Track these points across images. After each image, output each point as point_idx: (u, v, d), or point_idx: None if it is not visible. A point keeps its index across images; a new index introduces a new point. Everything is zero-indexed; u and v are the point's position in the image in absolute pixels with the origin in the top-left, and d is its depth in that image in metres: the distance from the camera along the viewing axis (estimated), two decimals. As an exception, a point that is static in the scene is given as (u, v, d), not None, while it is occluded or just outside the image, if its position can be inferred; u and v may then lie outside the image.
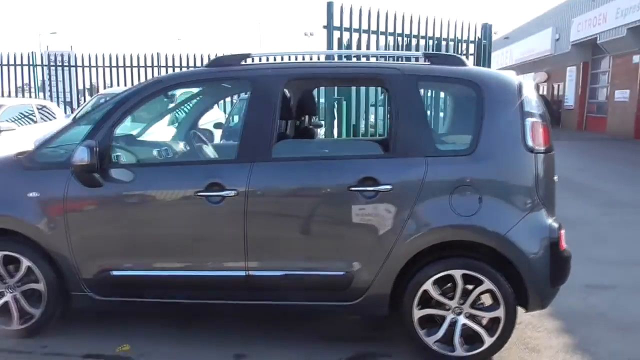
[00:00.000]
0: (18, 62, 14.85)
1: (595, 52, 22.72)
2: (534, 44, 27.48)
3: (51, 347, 3.30)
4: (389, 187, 3.01)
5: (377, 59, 5.06)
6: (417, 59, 3.53)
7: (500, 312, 3.03)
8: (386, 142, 3.33)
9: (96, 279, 3.25)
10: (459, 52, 8.01)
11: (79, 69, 15.04)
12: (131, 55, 14.72)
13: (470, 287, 3.08)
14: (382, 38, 7.11)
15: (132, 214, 3.19)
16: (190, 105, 4.69)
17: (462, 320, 3.08)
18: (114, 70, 14.77)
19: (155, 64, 14.71)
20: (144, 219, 3.19)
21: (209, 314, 3.62)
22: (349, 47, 6.66)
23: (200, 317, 3.65)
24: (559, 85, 27.00)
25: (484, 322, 3.10)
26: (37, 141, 7.46)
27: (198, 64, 14.35)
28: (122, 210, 3.19)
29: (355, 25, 6.82)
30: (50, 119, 10.09)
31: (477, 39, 8.60)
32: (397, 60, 4.71)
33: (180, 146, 4.11)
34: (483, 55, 8.75)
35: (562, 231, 3.09)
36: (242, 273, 3.14)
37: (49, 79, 15.14)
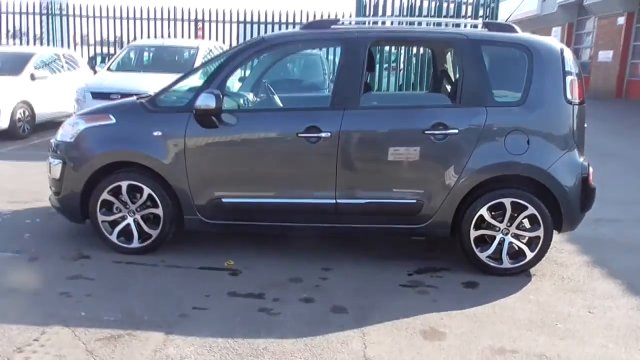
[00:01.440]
0: (13, 9, 14.72)
1: (580, 14, 23.43)
2: (521, 4, 27.92)
3: (169, 261, 3.98)
4: (456, 131, 3.72)
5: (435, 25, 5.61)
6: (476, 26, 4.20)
7: (540, 232, 3.80)
8: None
9: (208, 205, 3.91)
10: (472, 13, 8.67)
11: (75, 19, 14.92)
12: (132, 7, 14.76)
13: (515, 214, 3.83)
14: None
15: (242, 150, 3.84)
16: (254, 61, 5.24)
17: (509, 239, 3.85)
18: (111, 20, 14.73)
19: (152, 16, 14.71)
20: (251, 154, 3.85)
21: (299, 236, 4.34)
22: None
23: (291, 239, 4.38)
24: (544, 45, 27.67)
25: (526, 240, 3.87)
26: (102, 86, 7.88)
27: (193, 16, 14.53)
28: (234, 147, 3.84)
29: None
30: (75, 68, 10.44)
31: (486, 2, 9.22)
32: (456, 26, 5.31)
33: (257, 96, 4.72)
34: (491, 17, 9.39)
35: (591, 169, 3.85)
36: (332, 201, 3.83)
37: (45, 28, 14.97)
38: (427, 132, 3.72)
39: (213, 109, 3.63)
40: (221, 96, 3.66)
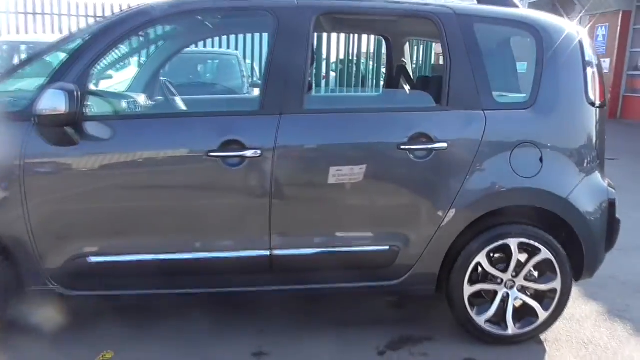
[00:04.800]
0: None
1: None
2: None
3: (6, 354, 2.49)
4: (444, 145, 2.56)
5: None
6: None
7: (557, 283, 2.74)
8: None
9: (67, 268, 2.46)
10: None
11: None
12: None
13: (522, 259, 2.75)
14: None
15: (120, 180, 2.44)
16: (150, 49, 3.83)
17: (515, 294, 2.75)
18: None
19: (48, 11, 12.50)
20: (136, 186, 2.46)
21: (217, 305, 2.96)
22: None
23: (204, 309, 2.97)
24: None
25: (537, 295, 2.79)
26: None
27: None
28: (106, 175, 2.42)
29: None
30: None
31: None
32: None
33: (152, 99, 3.33)
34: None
35: (615, 195, 2.85)
36: (265, 253, 2.54)
37: None
38: (403, 147, 2.53)
39: (64, 113, 2.21)
40: (78, 93, 2.25)
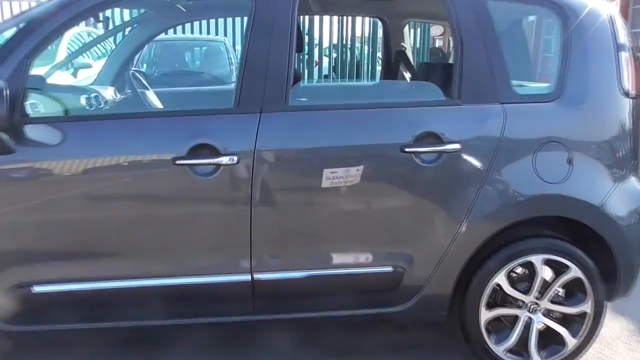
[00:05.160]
0: None
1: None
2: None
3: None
4: (457, 146, 2.15)
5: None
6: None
7: (587, 306, 2.35)
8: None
9: (6, 299, 2.06)
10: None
11: None
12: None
13: (546, 278, 2.37)
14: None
15: (67, 194, 2.03)
16: (119, 37, 3.41)
17: (539, 318, 2.37)
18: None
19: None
20: (88, 202, 2.05)
21: (191, 330, 2.56)
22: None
23: (171, 346, 2.56)
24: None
25: (564, 319, 2.41)
26: None
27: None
28: (50, 189, 2.01)
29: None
30: None
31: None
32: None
33: (121, 92, 2.91)
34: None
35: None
36: (245, 277, 2.15)
37: None
38: (408, 149, 2.13)
39: None
40: (7, 92, 1.83)
